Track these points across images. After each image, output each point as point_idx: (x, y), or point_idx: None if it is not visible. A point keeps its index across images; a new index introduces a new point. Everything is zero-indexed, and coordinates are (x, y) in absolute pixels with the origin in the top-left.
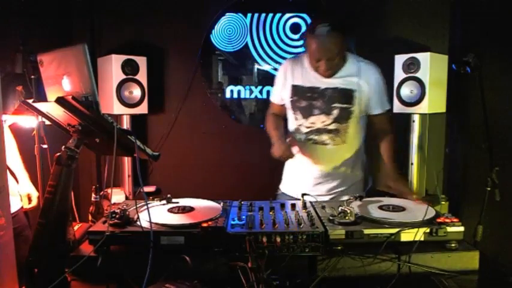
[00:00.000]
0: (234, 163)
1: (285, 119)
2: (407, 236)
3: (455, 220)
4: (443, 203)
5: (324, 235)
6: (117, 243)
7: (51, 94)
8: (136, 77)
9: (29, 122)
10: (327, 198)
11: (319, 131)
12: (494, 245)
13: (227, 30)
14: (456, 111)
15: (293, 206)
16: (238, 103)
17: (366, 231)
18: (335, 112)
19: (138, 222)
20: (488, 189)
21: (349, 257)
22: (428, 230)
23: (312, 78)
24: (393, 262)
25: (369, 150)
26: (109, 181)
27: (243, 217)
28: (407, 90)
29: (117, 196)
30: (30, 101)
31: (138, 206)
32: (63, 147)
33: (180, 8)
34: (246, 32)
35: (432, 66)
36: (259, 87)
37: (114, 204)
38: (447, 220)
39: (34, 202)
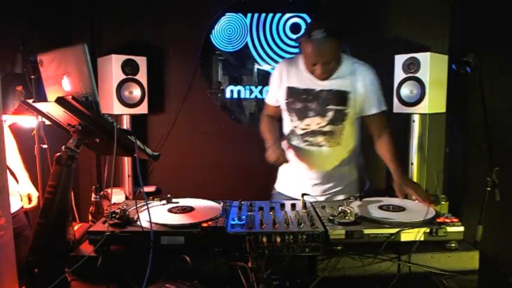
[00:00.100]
0: (234, 163)
1: (279, 120)
2: (407, 236)
3: (455, 220)
4: (443, 203)
5: (324, 235)
6: (117, 243)
7: (51, 94)
8: (137, 77)
9: (29, 122)
10: (322, 198)
11: (314, 133)
12: (494, 245)
13: (227, 30)
14: (456, 111)
15: (293, 206)
16: (238, 103)
17: (366, 231)
18: (330, 114)
19: (138, 222)
20: (488, 189)
21: (349, 257)
22: (428, 230)
23: (307, 80)
24: (393, 262)
25: (365, 151)
26: (109, 181)
27: (243, 217)
28: (407, 90)
29: (117, 196)
30: (30, 101)
31: (138, 206)
32: (63, 147)
33: (180, 8)
34: (246, 32)
35: (432, 66)
36: (259, 87)
37: (114, 204)
38: (447, 220)
39: (34, 202)
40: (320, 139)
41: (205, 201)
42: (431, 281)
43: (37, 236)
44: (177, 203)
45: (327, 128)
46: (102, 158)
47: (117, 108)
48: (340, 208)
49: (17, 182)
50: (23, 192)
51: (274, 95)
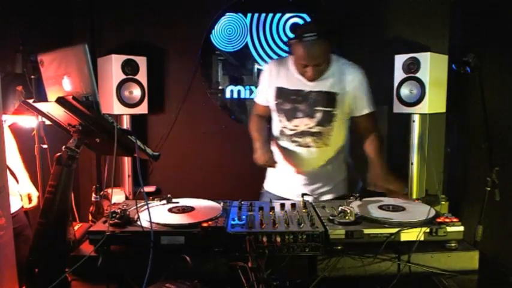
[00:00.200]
0: (234, 163)
1: (269, 120)
2: (407, 235)
3: (455, 220)
4: (443, 203)
5: (324, 235)
6: (117, 243)
7: (52, 94)
8: (137, 77)
9: (29, 122)
10: (310, 198)
11: (302, 134)
12: (494, 245)
13: (227, 30)
14: (456, 111)
15: (293, 206)
16: (238, 103)
17: (366, 231)
18: (318, 115)
19: (138, 222)
20: (488, 189)
21: (349, 257)
22: (428, 230)
23: (297, 81)
24: (393, 262)
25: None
26: (109, 181)
27: (243, 217)
28: (407, 90)
29: (117, 196)
30: (30, 101)
31: (138, 206)
32: (64, 147)
33: (180, 8)
34: (246, 32)
35: (432, 66)
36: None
37: (114, 204)
38: (447, 220)
39: (34, 202)
40: (308, 140)
41: (205, 201)
42: (431, 281)
43: (37, 236)
44: (177, 203)
45: (315, 129)
46: (102, 158)
47: (117, 108)
48: (340, 208)
49: (17, 182)
50: (23, 192)
51: (264, 95)
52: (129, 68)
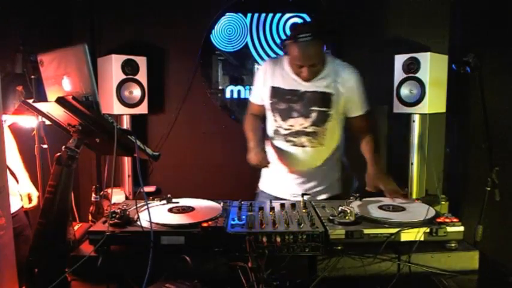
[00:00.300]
0: (234, 163)
1: (263, 120)
2: (407, 236)
3: (455, 220)
4: (443, 203)
5: (324, 235)
6: (117, 243)
7: (52, 94)
8: (136, 77)
9: (29, 122)
10: (305, 197)
11: (297, 133)
12: (494, 245)
13: (227, 30)
14: (456, 111)
15: (293, 206)
16: (238, 103)
17: (366, 231)
18: (313, 115)
19: (138, 222)
20: (488, 189)
21: (349, 257)
22: (428, 230)
23: (292, 81)
24: (393, 262)
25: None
26: (109, 181)
27: (243, 217)
28: (407, 90)
29: (117, 196)
30: (30, 101)
31: (138, 206)
32: (64, 147)
33: (180, 8)
34: (246, 32)
35: (432, 66)
36: None
37: (114, 204)
38: (447, 220)
39: (34, 202)
40: (303, 139)
41: (205, 201)
42: (431, 281)
43: (37, 236)
44: (177, 203)
45: (310, 129)
46: (102, 158)
47: (117, 108)
48: (340, 208)
49: (17, 182)
50: (23, 192)
51: (259, 94)
52: (129, 68)
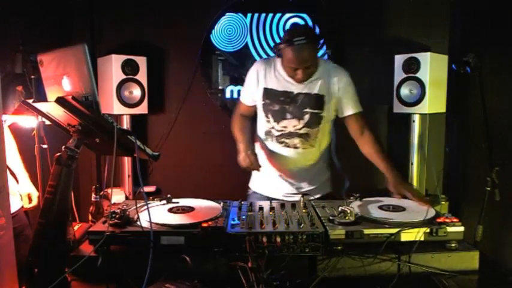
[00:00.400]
0: (234, 163)
1: (251, 120)
2: (407, 236)
3: (455, 220)
4: (443, 203)
5: (324, 235)
6: (117, 243)
7: (51, 94)
8: (136, 77)
9: (29, 122)
10: (296, 197)
11: (290, 135)
12: (494, 245)
13: (227, 30)
14: (456, 111)
15: (293, 205)
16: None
17: (366, 231)
18: (306, 117)
19: (138, 222)
20: (488, 189)
21: (349, 257)
22: (428, 230)
23: (285, 83)
24: (393, 262)
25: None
26: (109, 181)
27: (243, 217)
28: (407, 90)
29: (117, 196)
30: (30, 101)
31: (138, 206)
32: (63, 147)
33: (180, 8)
34: (246, 32)
35: (432, 66)
36: None
37: (114, 204)
38: (447, 220)
39: (34, 202)
40: (296, 141)
41: (205, 201)
42: (431, 281)
43: (37, 236)
44: (177, 203)
45: (303, 131)
46: (102, 158)
47: (117, 108)
48: (340, 208)
49: (17, 182)
50: (23, 192)
51: (251, 95)
52: (129, 68)
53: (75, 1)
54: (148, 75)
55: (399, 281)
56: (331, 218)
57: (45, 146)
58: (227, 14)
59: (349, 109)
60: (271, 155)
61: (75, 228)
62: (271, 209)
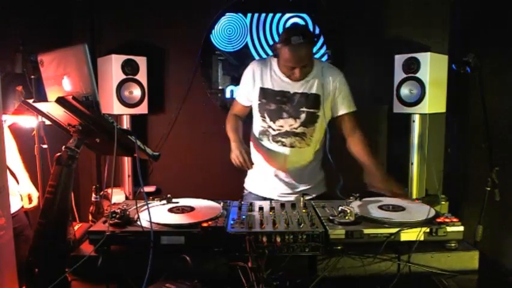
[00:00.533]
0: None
1: (244, 121)
2: (407, 235)
3: (455, 220)
4: (443, 203)
5: (324, 235)
6: (117, 243)
7: (52, 94)
8: (137, 77)
9: (29, 122)
10: (292, 197)
11: (287, 134)
12: (494, 245)
13: (227, 30)
14: (456, 111)
15: (293, 205)
16: None
17: (366, 231)
18: (302, 116)
19: (138, 222)
20: (488, 189)
21: (349, 257)
22: (428, 230)
23: (281, 82)
24: (393, 262)
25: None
26: (109, 181)
27: (243, 217)
28: (407, 90)
29: (117, 196)
30: (30, 101)
31: (138, 206)
32: (64, 147)
33: (180, 8)
34: (246, 32)
35: (432, 66)
36: None
37: (114, 204)
38: (447, 220)
39: (35, 202)
40: (292, 140)
41: (205, 201)
42: (431, 281)
43: (37, 236)
44: (177, 203)
45: (299, 130)
46: (102, 158)
47: (117, 108)
48: (340, 208)
49: (17, 182)
50: (23, 193)
51: (246, 95)
52: (129, 68)
53: (75, 1)
54: (148, 75)
55: (399, 281)
56: (331, 217)
57: (45, 146)
58: (227, 14)
59: (343, 108)
60: (267, 154)
61: (75, 228)
62: (271, 209)
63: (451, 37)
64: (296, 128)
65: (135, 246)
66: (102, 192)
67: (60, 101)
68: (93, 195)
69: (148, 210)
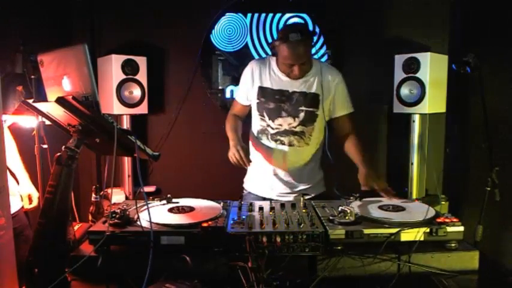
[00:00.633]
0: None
1: (244, 120)
2: (407, 235)
3: (455, 220)
4: (443, 203)
5: (324, 235)
6: (117, 243)
7: (52, 94)
8: (137, 77)
9: (29, 122)
10: (291, 196)
11: (285, 133)
12: (494, 245)
13: (227, 30)
14: (456, 111)
15: (293, 205)
16: None
17: (366, 231)
18: (301, 115)
19: (138, 222)
20: (488, 189)
21: (349, 257)
22: (428, 230)
23: (280, 82)
24: (393, 262)
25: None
26: (109, 181)
27: (243, 217)
28: (407, 90)
29: (117, 196)
30: (30, 101)
31: (138, 206)
32: (63, 147)
33: (180, 8)
34: (246, 32)
35: (432, 66)
36: None
37: (114, 204)
38: (447, 220)
39: (35, 202)
40: (291, 139)
41: (205, 201)
42: (431, 281)
43: (37, 236)
44: (177, 203)
45: (298, 129)
46: (102, 158)
47: (117, 108)
48: (340, 208)
49: (17, 182)
50: (23, 193)
51: (246, 93)
52: (129, 68)
53: (75, 1)
54: (148, 75)
55: (399, 281)
56: (331, 218)
57: (45, 146)
58: (227, 14)
59: (342, 109)
60: (266, 153)
61: (75, 228)
62: (271, 209)
63: (451, 37)
64: (295, 127)
65: (135, 246)
66: (102, 192)
67: (60, 101)
68: (93, 195)
69: (148, 210)
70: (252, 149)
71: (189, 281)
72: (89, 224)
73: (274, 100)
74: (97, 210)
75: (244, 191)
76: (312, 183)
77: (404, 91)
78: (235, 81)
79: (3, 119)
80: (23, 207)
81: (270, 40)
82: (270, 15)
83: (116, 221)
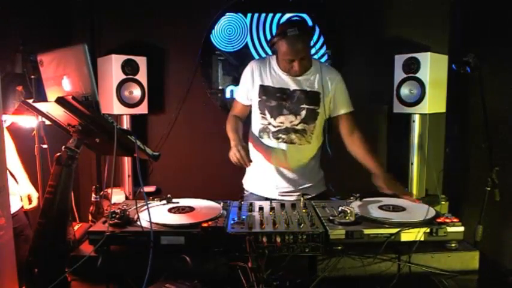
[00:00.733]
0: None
1: (244, 121)
2: (407, 236)
3: (455, 220)
4: (443, 203)
5: (324, 235)
6: (117, 243)
7: (51, 94)
8: (137, 77)
9: (29, 122)
10: (293, 196)
11: (287, 130)
12: (494, 245)
13: (227, 30)
14: (456, 111)
15: (293, 206)
16: None
17: (366, 231)
18: (303, 113)
19: (138, 222)
20: (488, 189)
21: (349, 257)
22: (428, 230)
23: (281, 80)
24: (393, 262)
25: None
26: (109, 181)
27: (243, 217)
28: (407, 90)
29: (117, 196)
30: (30, 101)
31: (138, 206)
32: (63, 147)
33: (180, 8)
34: (246, 32)
35: (432, 66)
36: None
37: (114, 204)
38: (447, 220)
39: (34, 203)
40: (293, 137)
41: (205, 201)
42: (431, 281)
43: (37, 236)
44: (177, 203)
45: (299, 126)
46: (102, 158)
47: (117, 108)
48: (340, 208)
49: (17, 183)
50: (23, 193)
51: (246, 94)
52: (129, 68)
53: (75, 1)
54: (148, 75)
55: (399, 281)
56: (331, 218)
57: (45, 146)
58: (227, 14)
59: (342, 108)
60: (266, 151)
61: (75, 228)
62: (271, 209)
63: (451, 37)
64: (296, 125)
65: (135, 246)
66: (102, 192)
67: (60, 101)
68: (93, 195)
69: (148, 211)
70: (252, 149)
71: (189, 281)
72: (89, 224)
73: (275, 98)
74: (97, 210)
75: (245, 192)
76: (313, 181)
77: (404, 91)
78: (235, 81)
79: (3, 119)
80: (22, 207)
81: None
82: (270, 15)
83: (115, 221)
